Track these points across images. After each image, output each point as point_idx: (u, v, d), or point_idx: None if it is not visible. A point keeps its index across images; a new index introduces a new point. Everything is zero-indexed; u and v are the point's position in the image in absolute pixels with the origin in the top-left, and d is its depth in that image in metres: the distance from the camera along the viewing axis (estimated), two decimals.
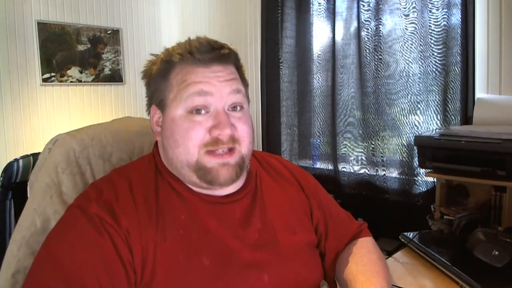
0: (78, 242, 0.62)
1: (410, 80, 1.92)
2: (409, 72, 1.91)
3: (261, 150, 2.47)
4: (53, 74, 2.64)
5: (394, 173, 2.03)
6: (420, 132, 1.88)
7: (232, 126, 0.70)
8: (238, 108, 0.73)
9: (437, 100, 1.84)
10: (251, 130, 0.74)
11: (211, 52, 0.70)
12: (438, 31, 1.79)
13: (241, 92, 0.73)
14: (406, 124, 1.95)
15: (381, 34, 1.98)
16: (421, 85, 1.88)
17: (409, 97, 1.93)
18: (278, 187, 0.84)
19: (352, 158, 2.19)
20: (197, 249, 0.68)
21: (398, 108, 1.97)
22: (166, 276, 0.64)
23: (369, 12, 2.00)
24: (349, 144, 2.18)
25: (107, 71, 2.90)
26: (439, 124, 1.83)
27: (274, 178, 0.85)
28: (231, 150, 0.70)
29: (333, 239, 0.87)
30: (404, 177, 1.97)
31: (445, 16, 1.76)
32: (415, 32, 1.87)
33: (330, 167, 2.25)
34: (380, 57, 1.99)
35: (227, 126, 0.68)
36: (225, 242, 0.70)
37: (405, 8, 1.90)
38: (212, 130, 0.69)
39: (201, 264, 0.67)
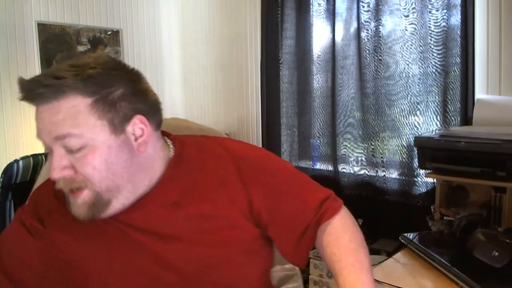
0: (13, 241, 0.75)
1: (410, 81, 1.92)
2: (409, 73, 1.91)
3: None
4: None
5: (394, 174, 2.03)
6: (420, 133, 1.88)
7: None
8: None
9: (437, 101, 1.84)
10: None
11: None
12: (438, 32, 1.79)
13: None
14: (406, 125, 1.95)
15: (381, 35, 1.98)
16: (421, 86, 1.88)
17: (409, 98, 1.93)
18: (209, 179, 0.76)
19: (352, 159, 2.19)
20: (117, 250, 0.71)
21: (398, 109, 1.97)
22: (80, 270, 0.71)
23: (369, 13, 2.01)
24: (349, 145, 2.18)
25: None
26: (439, 125, 1.83)
27: (205, 168, 0.77)
28: None
29: (282, 225, 0.78)
30: (404, 178, 1.97)
31: (445, 17, 1.77)
32: (415, 33, 1.87)
33: (330, 168, 2.25)
34: (380, 58, 1.99)
35: None
36: (140, 239, 0.71)
37: (405, 9, 1.90)
38: None
39: (118, 263, 0.71)
